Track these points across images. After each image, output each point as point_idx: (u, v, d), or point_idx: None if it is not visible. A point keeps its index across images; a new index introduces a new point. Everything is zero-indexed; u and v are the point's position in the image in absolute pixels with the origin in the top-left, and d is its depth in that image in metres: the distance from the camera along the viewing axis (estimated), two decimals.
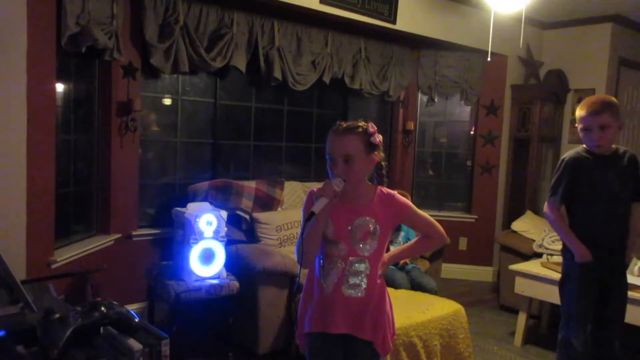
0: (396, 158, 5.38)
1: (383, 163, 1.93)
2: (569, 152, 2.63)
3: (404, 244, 3.40)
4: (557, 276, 3.37)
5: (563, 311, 2.69)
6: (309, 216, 1.71)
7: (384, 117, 5.39)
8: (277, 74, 4.09)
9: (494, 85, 5.29)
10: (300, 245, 1.79)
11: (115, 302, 1.55)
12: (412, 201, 2.01)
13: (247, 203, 3.81)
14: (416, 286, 3.52)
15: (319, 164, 4.77)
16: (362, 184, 1.89)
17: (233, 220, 3.70)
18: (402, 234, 3.84)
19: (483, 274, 5.37)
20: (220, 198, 3.71)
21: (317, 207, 1.72)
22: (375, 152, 1.86)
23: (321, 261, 1.89)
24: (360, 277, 1.85)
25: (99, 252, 3.43)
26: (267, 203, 3.91)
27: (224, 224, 3.20)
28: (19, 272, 2.47)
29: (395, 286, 3.40)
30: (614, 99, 2.61)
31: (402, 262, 3.66)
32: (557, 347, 2.70)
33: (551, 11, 4.97)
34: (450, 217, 5.33)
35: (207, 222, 3.13)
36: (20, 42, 2.57)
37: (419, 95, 5.44)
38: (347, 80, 4.65)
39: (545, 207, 2.69)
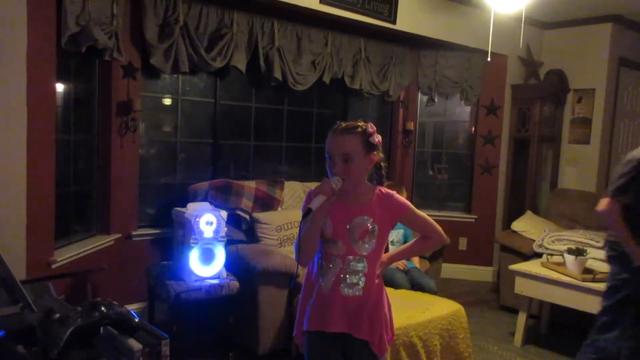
0: (396, 158, 5.38)
1: (382, 163, 1.94)
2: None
3: (403, 244, 3.41)
4: (556, 276, 3.39)
5: None
6: (306, 212, 1.72)
7: (384, 117, 5.39)
8: (277, 74, 4.09)
9: (494, 85, 5.29)
10: (298, 242, 1.80)
11: (115, 302, 1.55)
12: (411, 201, 2.01)
13: (247, 203, 3.81)
14: (416, 286, 3.52)
15: (319, 164, 4.77)
16: (361, 184, 1.89)
17: (233, 220, 3.70)
18: (401, 234, 3.84)
19: (483, 274, 5.37)
20: (220, 198, 3.71)
21: (314, 204, 1.74)
22: (374, 152, 1.87)
23: (320, 260, 1.89)
24: (358, 276, 1.86)
25: (99, 252, 3.43)
26: (267, 203, 3.91)
27: (224, 224, 3.20)
28: (19, 272, 2.47)
29: (395, 286, 3.39)
30: None
31: (401, 266, 3.64)
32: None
33: (551, 11, 4.97)
34: (450, 217, 5.34)
35: (207, 222, 3.13)
36: (20, 42, 2.57)
37: (419, 95, 5.44)
38: (347, 80, 4.65)
39: (606, 204, 2.53)
